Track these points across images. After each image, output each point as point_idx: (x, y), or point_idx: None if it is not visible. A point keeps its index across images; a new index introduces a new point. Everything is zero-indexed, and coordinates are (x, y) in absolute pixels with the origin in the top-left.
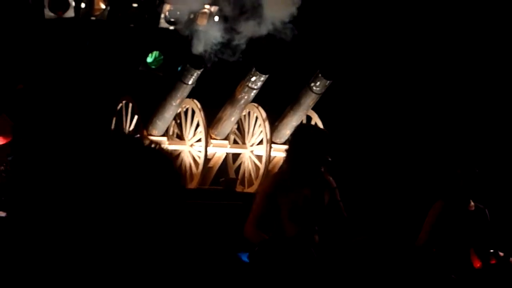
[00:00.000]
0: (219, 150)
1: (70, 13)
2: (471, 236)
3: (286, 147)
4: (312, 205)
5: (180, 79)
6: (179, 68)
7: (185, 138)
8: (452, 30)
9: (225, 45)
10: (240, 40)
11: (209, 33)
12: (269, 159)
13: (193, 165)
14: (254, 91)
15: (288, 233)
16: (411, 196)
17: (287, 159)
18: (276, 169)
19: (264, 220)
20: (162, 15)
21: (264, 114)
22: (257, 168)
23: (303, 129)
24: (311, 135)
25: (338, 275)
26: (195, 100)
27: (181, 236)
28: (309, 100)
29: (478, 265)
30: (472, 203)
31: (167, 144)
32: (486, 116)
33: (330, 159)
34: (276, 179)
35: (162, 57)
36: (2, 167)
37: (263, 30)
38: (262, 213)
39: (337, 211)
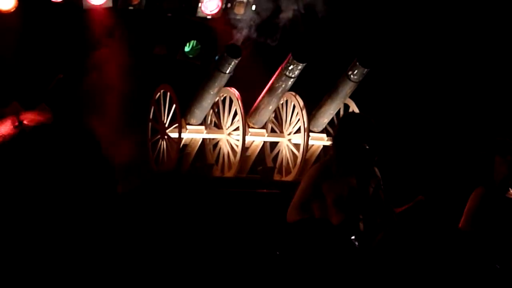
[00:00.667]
0: (257, 139)
1: (109, 3)
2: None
3: (324, 135)
4: (358, 195)
5: (217, 68)
6: (216, 57)
7: (223, 127)
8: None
9: (263, 33)
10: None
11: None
12: (306, 148)
13: (231, 154)
14: (292, 79)
15: (333, 221)
16: (452, 183)
17: (333, 147)
18: (314, 158)
19: (307, 206)
20: (200, 4)
21: (301, 103)
22: (295, 156)
23: (350, 117)
24: (357, 124)
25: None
26: (232, 89)
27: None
28: (347, 88)
29: None
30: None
31: (205, 133)
32: None
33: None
34: (323, 166)
35: (199, 46)
36: None
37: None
38: (306, 199)
39: (379, 203)
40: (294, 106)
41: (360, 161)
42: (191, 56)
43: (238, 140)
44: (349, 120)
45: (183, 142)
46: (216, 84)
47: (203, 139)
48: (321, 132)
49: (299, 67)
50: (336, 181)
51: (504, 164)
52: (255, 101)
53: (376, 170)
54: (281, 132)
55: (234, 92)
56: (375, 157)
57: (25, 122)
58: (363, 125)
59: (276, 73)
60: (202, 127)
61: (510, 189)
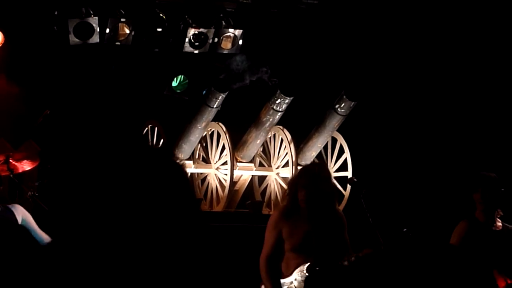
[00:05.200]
0: (245, 173)
1: (95, 39)
2: (495, 257)
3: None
4: (316, 238)
5: (205, 102)
6: (204, 92)
7: (211, 161)
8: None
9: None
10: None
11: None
12: None
13: (219, 188)
14: (279, 113)
15: (291, 265)
16: (437, 216)
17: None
18: None
19: (275, 252)
20: (187, 39)
21: (289, 137)
22: (283, 190)
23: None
24: (300, 174)
25: None
26: (220, 123)
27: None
28: (334, 121)
29: (503, 286)
30: (499, 223)
31: (193, 168)
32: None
33: (355, 179)
34: (281, 211)
35: (187, 81)
36: (30, 193)
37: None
38: (271, 244)
39: (343, 247)
40: (282, 140)
41: (321, 207)
42: (178, 91)
43: (226, 175)
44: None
45: None
46: (203, 118)
47: (192, 173)
48: None
49: (286, 101)
50: (294, 225)
51: (478, 198)
52: (243, 135)
53: (342, 214)
54: (269, 166)
55: (221, 126)
56: (363, 189)
57: (11, 160)
58: (304, 175)
59: (264, 107)
60: (190, 162)
61: (496, 221)
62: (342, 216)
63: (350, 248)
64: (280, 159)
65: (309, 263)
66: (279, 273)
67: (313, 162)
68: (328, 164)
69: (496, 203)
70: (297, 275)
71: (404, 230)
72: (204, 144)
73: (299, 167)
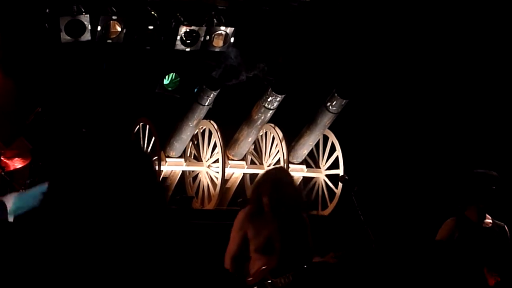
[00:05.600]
0: (237, 171)
1: (87, 37)
2: (484, 254)
3: (304, 166)
4: (279, 241)
5: (196, 100)
6: (195, 90)
7: (203, 159)
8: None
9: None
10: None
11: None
12: None
13: (210, 186)
14: (271, 111)
15: (256, 265)
16: (428, 214)
17: (266, 196)
18: None
19: (239, 251)
20: (178, 37)
21: (281, 134)
22: None
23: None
24: (263, 179)
25: None
26: (212, 121)
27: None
28: (326, 119)
29: (493, 283)
30: (489, 220)
31: (185, 165)
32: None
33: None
34: (246, 213)
35: (178, 78)
36: (21, 190)
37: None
38: (236, 244)
39: (306, 249)
40: (273, 138)
41: (284, 209)
42: (170, 88)
43: (217, 172)
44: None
45: (162, 174)
46: (195, 116)
47: (183, 171)
48: (301, 163)
49: (278, 99)
50: (259, 227)
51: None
52: (234, 133)
53: (305, 216)
54: (261, 163)
55: (213, 124)
56: (354, 187)
57: (2, 158)
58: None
59: (255, 105)
60: (182, 160)
61: (486, 217)
62: (306, 219)
63: (313, 250)
64: (272, 157)
65: (272, 268)
66: (243, 271)
67: (275, 167)
68: (320, 162)
69: (489, 201)
70: (264, 280)
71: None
72: (195, 142)
73: (291, 165)
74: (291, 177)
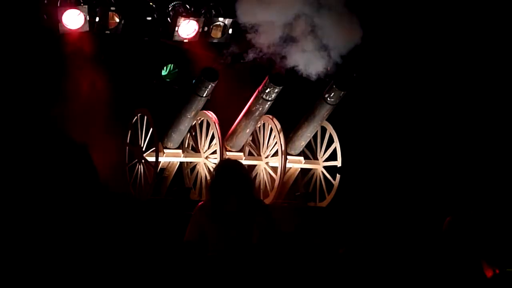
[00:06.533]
0: None
1: (85, 27)
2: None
3: (301, 158)
4: (233, 238)
5: (194, 91)
6: (193, 81)
7: (200, 151)
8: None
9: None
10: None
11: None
12: (284, 171)
13: (208, 177)
14: (269, 102)
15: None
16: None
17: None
18: (291, 181)
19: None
20: (176, 28)
21: (278, 126)
22: (272, 179)
23: (223, 165)
24: (228, 172)
25: None
26: (210, 112)
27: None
28: (324, 111)
29: (490, 275)
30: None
31: (182, 157)
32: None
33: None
34: (201, 207)
35: (176, 70)
36: None
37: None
38: (191, 237)
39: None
40: (271, 129)
41: (239, 207)
42: (168, 80)
43: (215, 164)
44: (222, 168)
45: (160, 166)
46: (193, 107)
47: (181, 162)
48: (299, 155)
49: (276, 90)
50: (214, 223)
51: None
52: (232, 125)
53: (264, 217)
54: (259, 155)
55: (211, 115)
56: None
57: None
58: (234, 174)
59: (253, 96)
60: (180, 151)
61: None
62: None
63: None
64: (270, 148)
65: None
66: None
67: (228, 159)
68: (318, 154)
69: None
70: None
71: None
72: (193, 133)
73: (289, 157)
74: (245, 170)
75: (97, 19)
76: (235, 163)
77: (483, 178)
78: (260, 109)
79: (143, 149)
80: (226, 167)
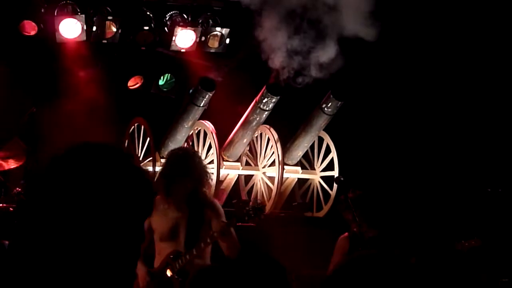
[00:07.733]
0: (232, 172)
1: (82, 37)
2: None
3: (299, 168)
4: (185, 227)
5: (191, 101)
6: (190, 90)
7: None
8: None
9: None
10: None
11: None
12: (281, 181)
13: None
14: (266, 112)
15: (162, 255)
16: (423, 214)
17: (160, 182)
18: (289, 191)
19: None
20: (174, 38)
21: (276, 136)
22: (270, 189)
23: (174, 153)
24: (180, 158)
25: None
26: (207, 122)
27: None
28: (321, 121)
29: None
30: None
31: None
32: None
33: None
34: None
35: (173, 79)
36: (15, 191)
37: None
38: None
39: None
40: (268, 139)
41: (188, 194)
42: (165, 89)
43: (212, 174)
44: (173, 155)
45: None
46: (190, 117)
47: None
48: (296, 165)
49: (273, 100)
50: (162, 214)
51: None
52: (229, 134)
53: (212, 204)
54: (256, 165)
55: (208, 125)
56: (349, 188)
57: None
58: (186, 160)
59: (251, 106)
60: None
61: None
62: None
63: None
64: (267, 158)
65: (173, 251)
66: (149, 260)
67: (180, 148)
68: (315, 164)
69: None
70: (167, 264)
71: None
72: (190, 143)
73: (285, 167)
74: (199, 158)
75: (94, 28)
76: (185, 151)
77: (482, 194)
78: (258, 119)
79: (140, 158)
80: (175, 155)
